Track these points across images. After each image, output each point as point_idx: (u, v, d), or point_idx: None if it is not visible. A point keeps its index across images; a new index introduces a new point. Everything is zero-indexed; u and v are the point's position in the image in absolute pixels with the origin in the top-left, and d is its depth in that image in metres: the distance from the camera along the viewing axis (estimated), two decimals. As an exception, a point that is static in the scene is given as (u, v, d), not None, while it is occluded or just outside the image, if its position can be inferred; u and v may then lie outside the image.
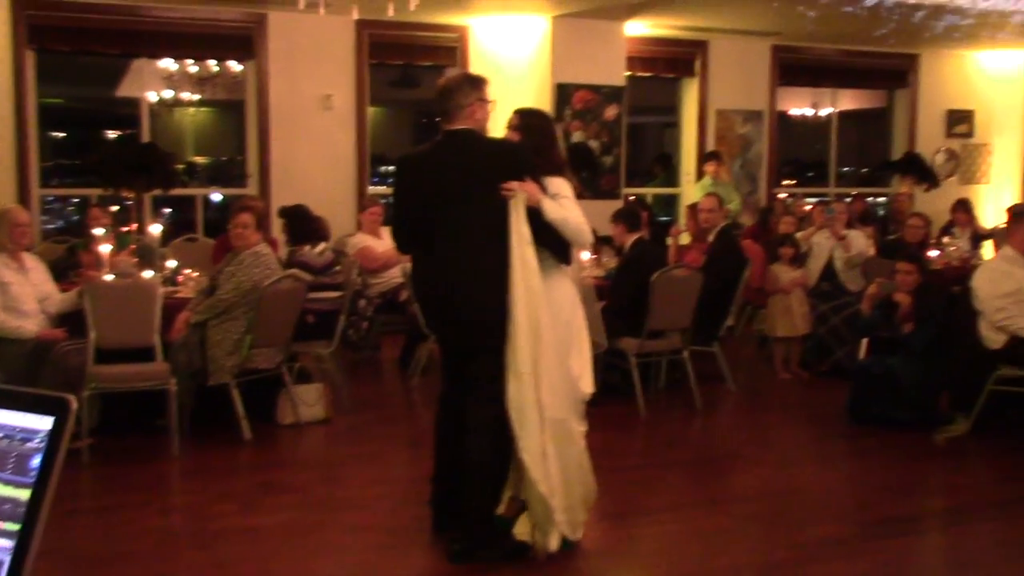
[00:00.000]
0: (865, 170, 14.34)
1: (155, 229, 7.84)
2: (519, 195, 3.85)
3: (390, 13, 6.33)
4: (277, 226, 7.70)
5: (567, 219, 3.95)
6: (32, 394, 1.27)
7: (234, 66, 10.29)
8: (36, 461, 1.25)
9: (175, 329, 5.84)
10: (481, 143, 4.06)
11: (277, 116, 9.83)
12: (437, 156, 4.08)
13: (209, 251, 8.33)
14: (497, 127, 4.34)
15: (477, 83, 4.08)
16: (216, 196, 11.02)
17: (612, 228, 7.12)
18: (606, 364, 6.73)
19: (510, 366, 3.88)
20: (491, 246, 3.88)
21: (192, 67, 10.37)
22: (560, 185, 4.05)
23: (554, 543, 4.02)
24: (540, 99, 9.95)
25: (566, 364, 4.02)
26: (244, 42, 9.75)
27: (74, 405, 1.27)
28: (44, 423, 1.25)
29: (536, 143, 4.10)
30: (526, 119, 4.22)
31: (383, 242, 8.38)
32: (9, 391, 1.30)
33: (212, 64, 10.33)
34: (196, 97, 10.70)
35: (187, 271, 6.77)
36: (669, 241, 8.75)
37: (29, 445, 1.24)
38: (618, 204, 9.96)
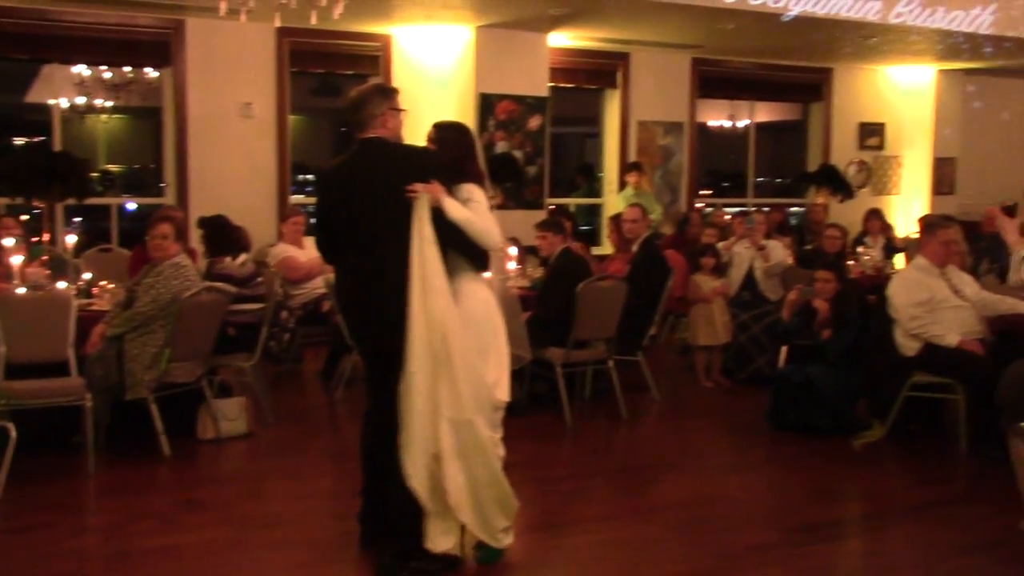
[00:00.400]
0: (779, 180, 14.64)
1: (69, 240, 7.60)
2: (423, 196, 3.93)
3: (313, 21, 6.24)
4: (196, 236, 7.53)
5: (471, 220, 4.00)
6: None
7: (149, 72, 10.06)
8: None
9: (91, 342, 5.67)
10: (391, 150, 4.10)
11: (195, 124, 9.63)
12: (352, 166, 4.14)
13: (125, 262, 8.12)
14: (419, 136, 4.37)
15: (388, 93, 4.18)
16: (131, 205, 10.75)
17: (537, 238, 7.13)
18: (532, 374, 6.75)
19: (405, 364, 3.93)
20: (401, 249, 3.93)
21: (106, 73, 10.12)
22: (472, 191, 4.10)
23: (467, 547, 4.09)
24: (464, 109, 9.94)
25: (476, 367, 4.01)
26: (161, 48, 9.53)
27: (13, 435, 1.19)
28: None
29: (451, 156, 4.17)
30: (441, 132, 4.29)
31: (306, 252, 8.28)
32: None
33: (127, 70, 10.09)
34: (109, 104, 10.44)
35: (102, 283, 6.57)
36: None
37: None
38: (542, 214, 10.00)
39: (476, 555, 4.15)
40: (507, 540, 4.16)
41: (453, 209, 3.98)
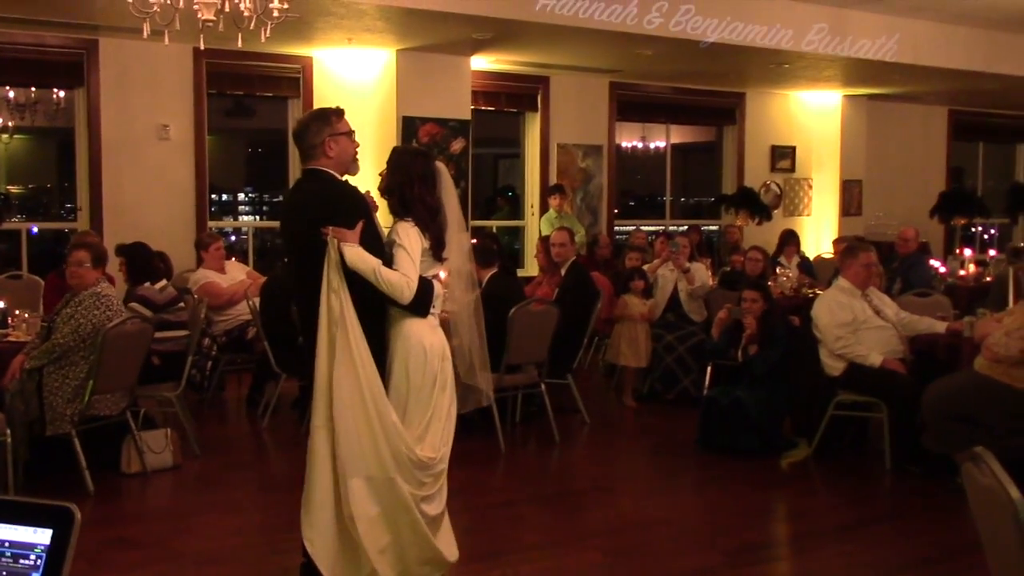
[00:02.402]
0: (684, 199, 14.90)
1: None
2: (332, 240, 3.70)
3: (239, 44, 6.13)
4: (115, 263, 7.31)
5: (376, 272, 3.68)
6: (28, 504, 1.10)
7: (56, 91, 9.76)
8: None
9: (8, 375, 5.44)
10: (316, 185, 3.87)
11: (109, 146, 9.38)
12: (288, 198, 4.12)
13: (36, 288, 7.85)
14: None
15: (325, 118, 3.91)
16: (33, 229, 10.38)
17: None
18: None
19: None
20: (316, 293, 3.76)
21: (9, 92, 9.80)
22: (403, 232, 3.82)
23: None
24: (386, 132, 9.89)
25: (395, 423, 3.77)
26: (73, 68, 9.26)
27: (78, 515, 1.10)
28: (41, 537, 1.07)
29: (396, 181, 3.96)
30: (392, 156, 4.07)
31: (228, 277, 8.11)
32: (2, 500, 1.13)
33: (31, 90, 9.78)
34: (11, 124, 10.11)
35: (17, 312, 6.32)
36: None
37: (23, 563, 1.07)
38: (465, 237, 9.98)
39: None
40: None
41: (355, 258, 3.67)
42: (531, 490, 5.88)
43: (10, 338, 5.89)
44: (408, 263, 3.76)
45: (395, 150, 4.14)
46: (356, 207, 3.83)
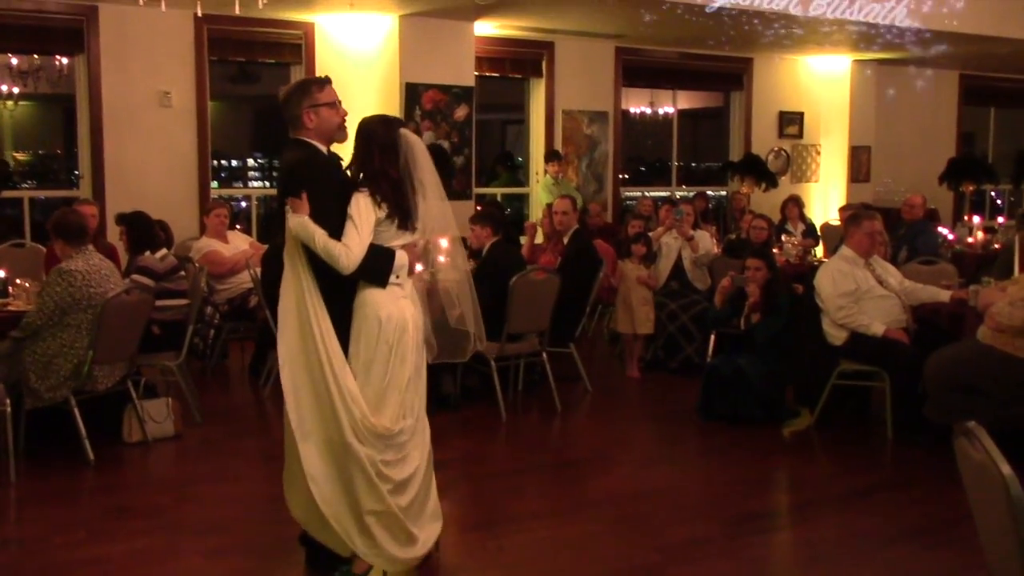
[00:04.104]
0: (695, 164, 14.81)
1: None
2: (289, 211, 3.77)
3: (236, 11, 6.07)
4: (115, 232, 7.30)
5: (314, 239, 3.68)
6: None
7: (59, 58, 9.72)
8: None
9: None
10: (291, 155, 3.90)
11: (111, 113, 9.34)
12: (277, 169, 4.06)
13: (40, 257, 7.85)
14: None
15: (306, 89, 3.91)
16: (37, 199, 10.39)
17: (471, 230, 7.08)
18: (465, 368, 6.71)
19: None
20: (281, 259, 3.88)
21: (12, 59, 9.75)
22: (353, 201, 3.78)
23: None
24: (389, 98, 9.82)
25: (350, 388, 3.77)
26: (73, 35, 9.21)
27: None
28: None
29: (358, 152, 3.92)
30: (359, 125, 3.98)
31: (230, 246, 8.10)
32: None
33: (35, 57, 9.73)
34: (16, 90, 10.07)
35: (18, 281, 6.31)
36: (523, 239, 8.80)
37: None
38: (470, 204, 9.96)
39: None
40: (411, 555, 3.95)
41: (297, 227, 3.71)
42: (531, 459, 5.89)
43: (10, 307, 5.88)
44: (351, 232, 3.74)
45: (361, 121, 4.00)
46: (315, 177, 3.81)
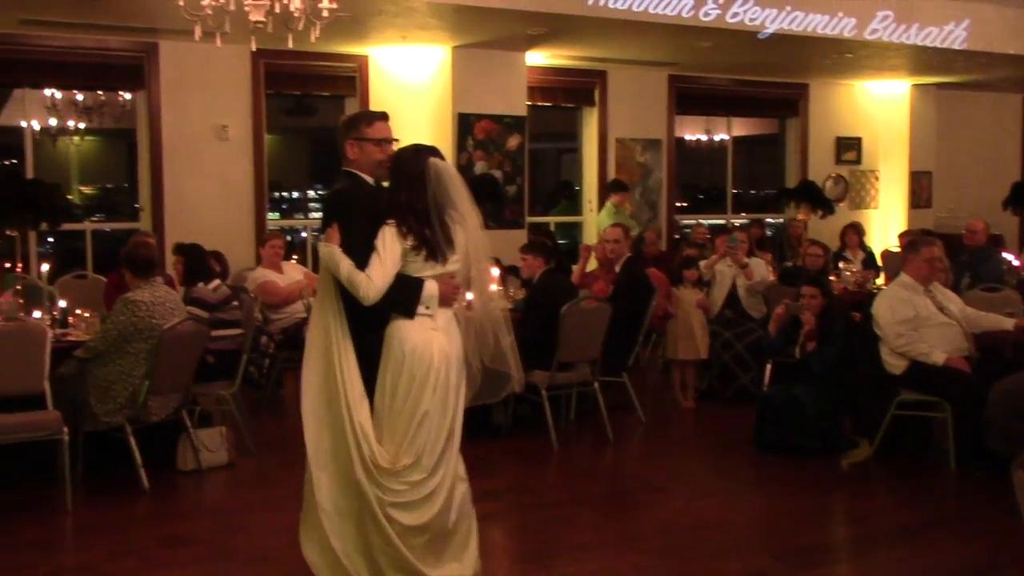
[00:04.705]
0: (754, 192, 14.67)
1: (42, 268, 7.46)
2: (321, 240, 3.83)
3: (289, 45, 6.17)
4: (171, 262, 7.43)
5: (339, 267, 3.72)
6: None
7: (123, 93, 9.97)
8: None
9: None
10: (336, 185, 3.99)
11: (170, 147, 9.54)
12: None
13: (100, 288, 7.99)
14: None
15: (355, 122, 4.00)
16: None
17: (523, 259, 7.08)
18: (516, 397, 6.68)
19: None
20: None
21: (78, 95, 10.02)
22: (380, 233, 3.79)
23: None
24: (442, 129, 9.89)
25: (363, 424, 3.75)
26: (134, 71, 9.45)
27: None
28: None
29: (389, 182, 3.95)
30: (392, 156, 3.98)
31: (285, 276, 8.19)
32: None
33: (99, 92, 10.00)
34: (81, 126, 10.34)
35: (78, 311, 6.44)
36: (574, 268, 8.76)
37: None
38: (523, 233, 9.97)
39: None
40: None
41: (325, 256, 3.77)
42: (582, 490, 5.82)
43: (69, 337, 5.99)
44: (375, 263, 3.75)
45: (395, 151, 4.00)
46: (349, 208, 3.86)
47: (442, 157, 3.94)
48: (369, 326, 3.81)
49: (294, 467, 6.21)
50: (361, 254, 3.75)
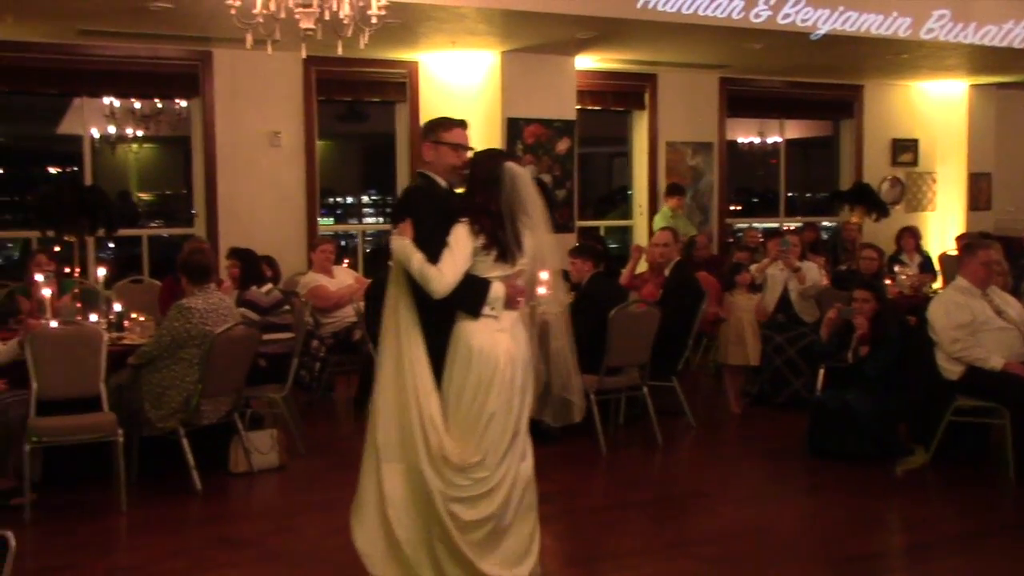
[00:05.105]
0: (809, 195, 14.47)
1: (100, 272, 7.61)
2: (394, 234, 3.91)
3: (339, 52, 6.22)
4: (224, 265, 7.54)
5: (411, 261, 3.79)
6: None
7: (178, 101, 10.14)
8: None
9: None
10: (410, 185, 4.13)
11: (224, 154, 9.66)
12: None
13: (156, 292, 8.13)
14: None
15: (430, 127, 4.13)
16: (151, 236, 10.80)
17: (572, 263, 7.07)
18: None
19: None
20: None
21: (135, 103, 10.20)
22: (453, 230, 3.85)
23: None
24: (491, 134, 9.91)
25: (433, 417, 3.81)
26: (189, 80, 9.59)
27: (12, 543, 1.12)
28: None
29: (467, 184, 4.04)
30: (470, 158, 4.09)
31: (336, 280, 8.26)
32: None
33: (155, 100, 10.18)
34: (139, 133, 10.52)
35: (133, 315, 6.56)
36: (623, 270, 8.71)
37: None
38: (573, 237, 9.95)
39: None
40: None
41: (398, 250, 3.86)
42: (631, 495, 5.79)
43: (124, 341, 6.10)
44: (447, 258, 3.82)
45: (472, 154, 4.12)
46: (423, 205, 3.95)
47: (519, 163, 4.05)
48: (436, 327, 3.88)
49: (344, 470, 6.27)
50: (431, 251, 3.82)
